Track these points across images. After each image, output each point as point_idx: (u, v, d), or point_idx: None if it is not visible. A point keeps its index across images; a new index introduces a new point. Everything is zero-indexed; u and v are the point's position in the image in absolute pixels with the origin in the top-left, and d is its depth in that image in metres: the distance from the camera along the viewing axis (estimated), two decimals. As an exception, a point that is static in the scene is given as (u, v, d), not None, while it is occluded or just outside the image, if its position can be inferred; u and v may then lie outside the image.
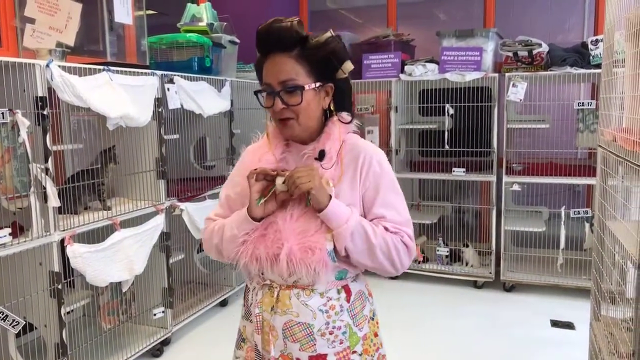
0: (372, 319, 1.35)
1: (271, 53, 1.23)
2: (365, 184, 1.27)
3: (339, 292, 1.27)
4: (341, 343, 1.26)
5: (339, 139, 1.28)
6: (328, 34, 1.25)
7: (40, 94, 2.19)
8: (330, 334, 1.25)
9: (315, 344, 1.24)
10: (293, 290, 1.25)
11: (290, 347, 1.24)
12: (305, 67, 1.22)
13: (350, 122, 1.32)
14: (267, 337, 1.26)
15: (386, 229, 1.24)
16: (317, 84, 1.25)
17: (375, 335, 1.35)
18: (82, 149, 2.69)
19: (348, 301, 1.28)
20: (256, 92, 1.30)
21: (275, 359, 1.24)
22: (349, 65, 1.28)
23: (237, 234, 1.25)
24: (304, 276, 1.21)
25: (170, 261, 3.04)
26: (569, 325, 3.29)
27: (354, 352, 1.28)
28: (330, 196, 1.21)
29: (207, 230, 1.36)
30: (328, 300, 1.25)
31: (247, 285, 1.38)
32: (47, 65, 2.21)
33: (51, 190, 2.21)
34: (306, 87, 1.22)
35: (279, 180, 1.22)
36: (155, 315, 2.91)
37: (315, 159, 1.27)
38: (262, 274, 1.28)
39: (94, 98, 2.38)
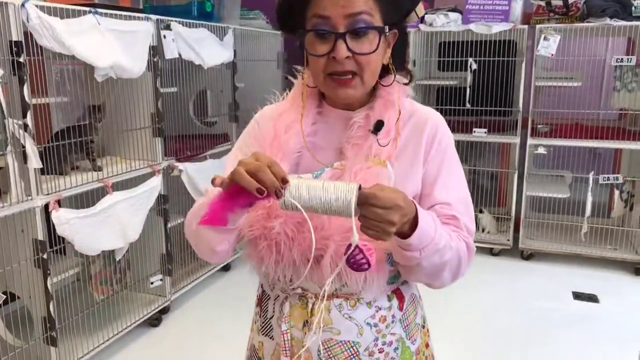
0: (423, 327, 1.10)
1: None
2: (430, 162, 0.98)
3: (389, 298, 1.01)
4: None
5: (398, 106, 0.97)
6: None
7: (15, 38, 1.91)
8: (380, 352, 0.99)
9: None
10: (334, 300, 0.96)
11: None
12: (379, 3, 0.90)
13: (409, 83, 1.02)
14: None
15: (445, 223, 0.94)
16: (388, 29, 0.92)
17: (427, 346, 1.10)
18: (68, 103, 2.42)
19: (401, 309, 1.02)
20: (306, 31, 0.91)
21: None
22: (421, 8, 0.97)
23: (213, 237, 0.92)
24: (353, 284, 0.94)
25: (169, 225, 2.82)
26: (592, 298, 3.10)
27: None
28: (415, 209, 0.83)
29: (190, 213, 1.00)
30: (377, 311, 0.98)
31: (263, 290, 1.08)
32: (23, 5, 1.92)
33: (31, 149, 1.96)
34: (386, 29, 0.91)
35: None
36: (152, 283, 2.71)
37: (370, 131, 0.95)
38: (291, 280, 0.97)
39: (79, 44, 2.10)
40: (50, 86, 2.36)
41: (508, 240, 3.67)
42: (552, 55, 3.24)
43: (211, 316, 2.91)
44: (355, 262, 0.80)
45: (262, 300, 1.08)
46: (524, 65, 3.41)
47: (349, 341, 0.97)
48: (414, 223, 0.83)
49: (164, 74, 2.75)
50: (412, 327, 1.04)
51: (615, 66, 3.25)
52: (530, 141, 3.44)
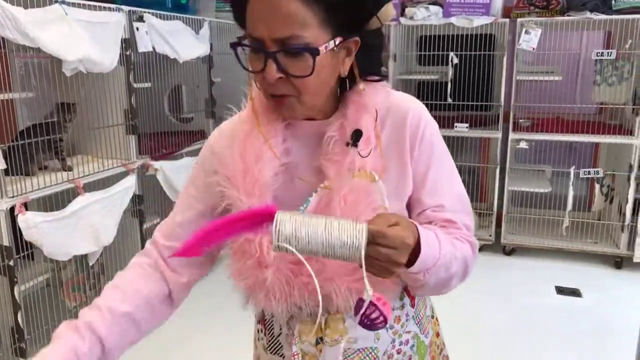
0: (433, 317, 1.06)
1: None
2: (416, 160, 0.88)
3: (401, 297, 0.95)
4: (410, 359, 0.97)
5: (373, 109, 0.86)
6: None
7: (-27, 28, 1.77)
8: (399, 352, 0.95)
9: None
10: (347, 312, 0.89)
11: None
12: (318, 14, 0.76)
13: (378, 81, 0.91)
14: None
15: (443, 226, 0.87)
16: (337, 41, 0.79)
17: (437, 335, 1.06)
18: (34, 99, 2.27)
19: (413, 305, 0.97)
20: (234, 45, 0.82)
21: None
22: (389, 11, 0.83)
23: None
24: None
25: (145, 227, 2.70)
26: (574, 292, 3.10)
27: None
28: (418, 235, 0.76)
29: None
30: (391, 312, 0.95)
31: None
32: (-18, -7, 1.78)
33: (-6, 149, 1.83)
34: (321, 49, 0.77)
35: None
36: (128, 287, 2.59)
37: (347, 144, 0.85)
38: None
39: (45, 36, 1.97)
40: (14, 81, 2.22)
41: (490, 235, 3.65)
42: (534, 49, 3.22)
43: (192, 317, 2.80)
44: (370, 320, 0.72)
45: (264, 317, 1.00)
46: (505, 59, 3.38)
47: (367, 348, 0.92)
48: (416, 249, 0.76)
49: (137, 69, 2.62)
50: (425, 321, 1.01)
51: (596, 60, 3.25)
52: (512, 136, 3.43)
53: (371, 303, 0.70)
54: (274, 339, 0.98)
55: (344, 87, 0.88)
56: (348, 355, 0.92)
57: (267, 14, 0.75)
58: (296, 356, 0.90)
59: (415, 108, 0.90)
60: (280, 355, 0.97)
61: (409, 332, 0.96)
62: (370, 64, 0.87)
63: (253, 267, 0.84)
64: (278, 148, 0.87)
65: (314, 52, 0.76)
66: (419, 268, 0.77)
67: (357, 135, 0.85)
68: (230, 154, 0.87)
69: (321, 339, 0.90)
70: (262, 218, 0.72)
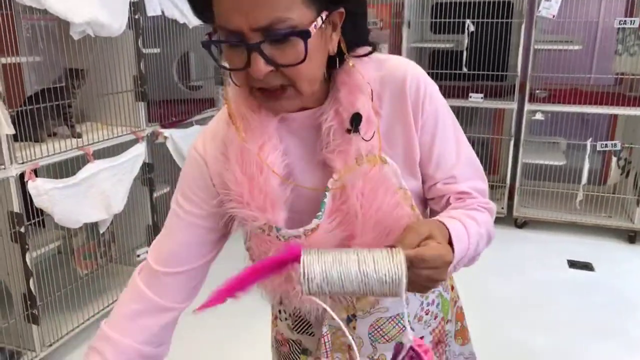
0: None
1: None
2: (421, 130, 0.82)
3: None
4: (436, 318, 0.98)
5: (367, 86, 0.77)
6: None
7: (-22, -12, 1.71)
8: (427, 313, 0.96)
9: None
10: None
11: (381, 348, 0.93)
12: None
13: (369, 54, 0.81)
14: (342, 347, 0.92)
15: (458, 199, 0.83)
16: (324, 16, 0.70)
17: (452, 288, 1.06)
18: (42, 63, 2.22)
19: None
20: (207, 44, 0.71)
21: None
22: None
23: None
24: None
25: (155, 195, 2.68)
26: (587, 266, 3.08)
27: (448, 320, 1.01)
28: (449, 236, 0.73)
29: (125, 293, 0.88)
30: None
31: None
32: (-14, -50, 1.71)
33: (2, 114, 1.78)
34: (311, 29, 0.67)
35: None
36: (139, 256, 2.59)
37: (348, 131, 0.77)
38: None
39: (52, -3, 1.90)
40: (21, 44, 2.16)
41: (502, 208, 3.61)
42: (554, 16, 3.11)
43: (203, 286, 2.80)
44: None
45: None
46: (523, 27, 3.28)
47: (398, 315, 0.92)
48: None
49: (145, 33, 2.55)
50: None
51: (618, 29, 3.14)
52: (527, 107, 3.35)
53: (411, 348, 0.64)
54: (300, 319, 0.96)
55: (331, 65, 0.78)
56: (380, 324, 0.91)
57: (243, 0, 0.65)
58: (326, 336, 0.88)
59: (412, 73, 0.81)
60: (309, 334, 0.95)
61: (433, 291, 0.96)
62: (356, 35, 0.79)
63: (282, 282, 0.80)
64: (278, 150, 0.79)
65: (305, 35, 0.67)
66: (452, 266, 0.73)
67: (356, 120, 0.77)
68: (229, 169, 0.79)
69: (353, 315, 0.89)
70: (287, 262, 0.66)
